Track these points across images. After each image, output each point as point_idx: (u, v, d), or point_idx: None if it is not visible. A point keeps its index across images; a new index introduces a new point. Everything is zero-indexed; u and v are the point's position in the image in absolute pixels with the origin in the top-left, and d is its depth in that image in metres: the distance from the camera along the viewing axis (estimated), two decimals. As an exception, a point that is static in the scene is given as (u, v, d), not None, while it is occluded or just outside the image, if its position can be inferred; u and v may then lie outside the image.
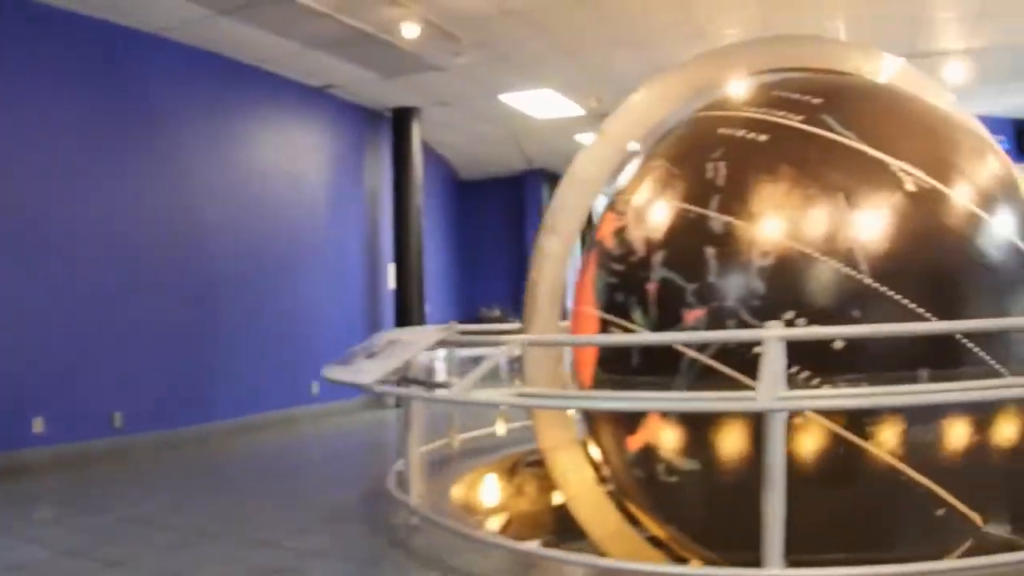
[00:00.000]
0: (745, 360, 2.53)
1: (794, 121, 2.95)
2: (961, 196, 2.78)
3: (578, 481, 3.56)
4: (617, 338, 3.02)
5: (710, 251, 2.81)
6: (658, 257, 2.99)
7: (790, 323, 2.57)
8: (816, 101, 3.02)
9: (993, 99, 8.86)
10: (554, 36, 6.91)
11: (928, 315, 2.56)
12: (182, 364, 7.51)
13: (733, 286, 2.70)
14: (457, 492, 4.29)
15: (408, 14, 6.19)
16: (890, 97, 3.23)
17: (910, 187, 2.74)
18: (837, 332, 2.55)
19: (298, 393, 8.90)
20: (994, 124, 8.90)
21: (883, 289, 2.57)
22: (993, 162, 2.99)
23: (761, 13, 5.86)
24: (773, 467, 2.21)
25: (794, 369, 2.46)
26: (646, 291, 2.97)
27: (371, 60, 7.86)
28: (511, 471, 4.91)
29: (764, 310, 2.62)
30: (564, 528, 3.96)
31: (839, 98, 3.09)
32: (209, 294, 7.95)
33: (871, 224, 2.67)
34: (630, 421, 2.98)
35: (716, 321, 2.73)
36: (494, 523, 4.55)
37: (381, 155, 10.63)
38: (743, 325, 2.68)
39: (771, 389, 2.27)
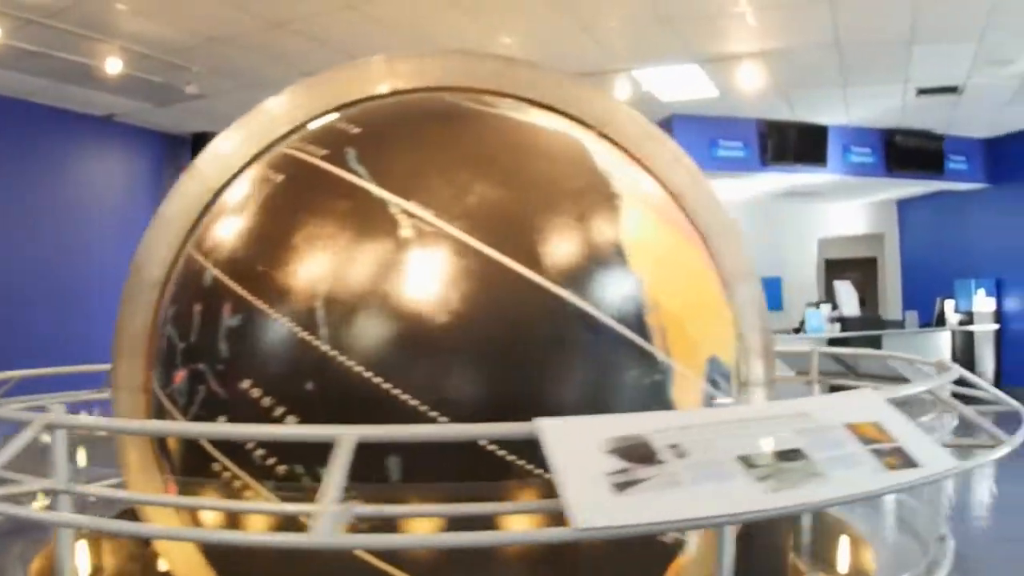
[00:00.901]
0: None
1: (314, 157, 2.66)
2: (491, 243, 2.24)
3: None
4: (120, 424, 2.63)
5: (197, 307, 2.49)
6: (169, 312, 2.67)
7: (245, 392, 2.25)
8: (355, 131, 2.71)
9: (834, 107, 8.24)
10: (283, 59, 6.48)
11: (407, 397, 2.19)
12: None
13: (206, 347, 2.36)
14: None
15: (112, 49, 5.88)
16: (457, 125, 2.83)
17: (406, 232, 2.39)
18: (407, 433, 1.95)
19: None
20: (859, 135, 8.70)
21: (342, 359, 2.21)
22: (596, 209, 2.43)
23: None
24: None
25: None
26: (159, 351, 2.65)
27: (135, 92, 7.49)
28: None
29: (225, 375, 2.26)
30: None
31: (386, 126, 2.78)
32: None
33: (342, 277, 2.32)
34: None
35: (192, 386, 2.42)
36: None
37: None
38: (210, 392, 2.36)
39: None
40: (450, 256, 2.26)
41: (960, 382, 2.95)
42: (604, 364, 2.31)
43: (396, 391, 2.10)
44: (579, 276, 2.34)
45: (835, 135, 8.87)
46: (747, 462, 1.39)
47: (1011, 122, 10.14)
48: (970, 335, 11.18)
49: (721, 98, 7.33)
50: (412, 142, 2.63)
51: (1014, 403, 2.86)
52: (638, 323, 2.35)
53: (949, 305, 11.40)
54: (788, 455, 1.42)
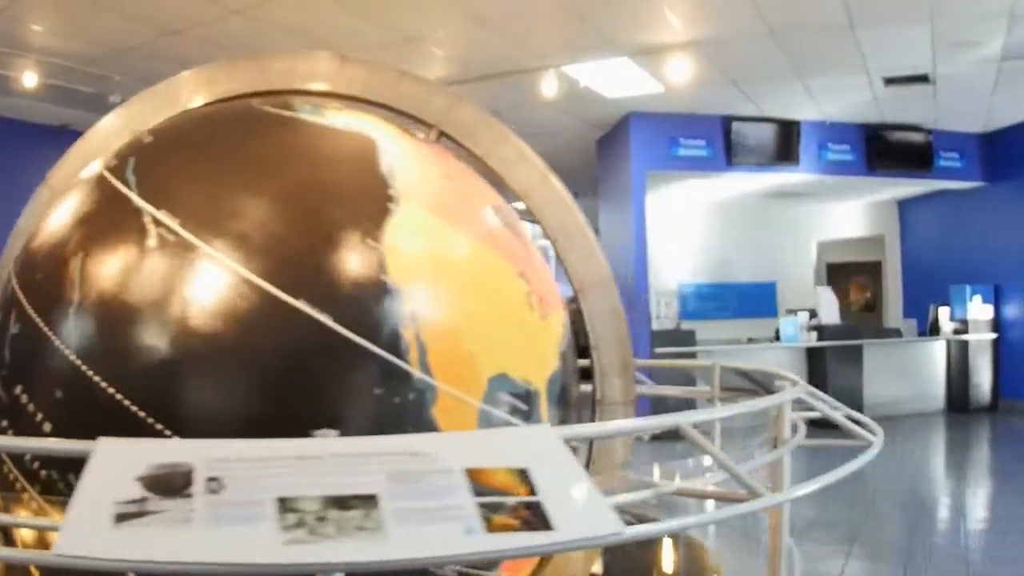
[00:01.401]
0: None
1: (105, 169, 2.45)
2: (230, 252, 2.14)
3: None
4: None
5: (1, 316, 2.35)
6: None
7: (17, 398, 2.07)
8: (147, 140, 2.52)
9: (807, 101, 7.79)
10: (188, 65, 6.23)
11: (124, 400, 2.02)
12: None
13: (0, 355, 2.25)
14: None
15: (28, 63, 5.77)
16: (239, 132, 2.60)
17: (152, 241, 2.19)
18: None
19: None
20: (835, 132, 8.16)
21: (85, 368, 2.05)
22: (358, 214, 2.17)
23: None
24: None
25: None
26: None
27: (70, 101, 7.41)
28: None
29: (6, 381, 2.15)
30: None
31: (173, 135, 2.57)
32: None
33: (90, 286, 2.14)
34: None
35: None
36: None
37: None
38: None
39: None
40: (188, 266, 2.07)
41: (800, 403, 2.63)
42: (343, 381, 2.03)
43: (127, 403, 1.97)
44: (319, 284, 2.07)
45: (809, 132, 8.39)
46: (285, 505, 1.09)
47: (1005, 115, 9.57)
48: (965, 345, 10.54)
49: (671, 94, 6.99)
50: (186, 152, 2.44)
51: (867, 435, 2.51)
52: (389, 337, 2.06)
53: (944, 313, 10.78)
54: (349, 502, 1.11)
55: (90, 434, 1.64)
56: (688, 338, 7.82)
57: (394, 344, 2.06)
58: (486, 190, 2.71)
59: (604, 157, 8.70)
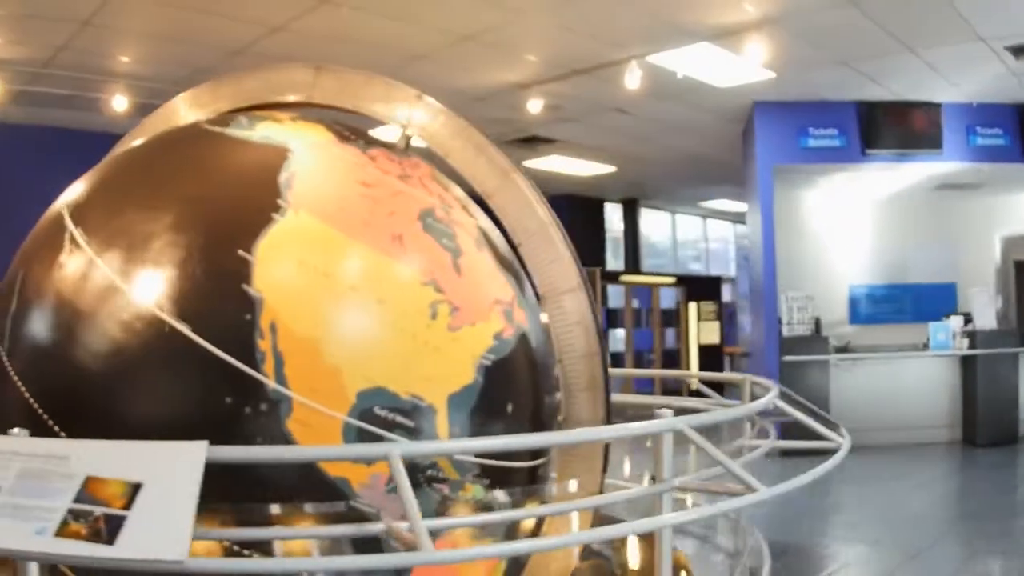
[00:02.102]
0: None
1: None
2: (111, 262, 2.20)
3: None
4: None
5: None
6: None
7: None
8: (101, 164, 2.77)
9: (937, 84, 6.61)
10: None
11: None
12: None
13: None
14: None
15: (119, 87, 6.35)
16: (164, 151, 2.66)
17: (64, 255, 2.33)
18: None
19: None
20: (984, 114, 6.97)
21: (9, 366, 2.25)
22: (234, 228, 2.21)
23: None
24: None
25: None
26: None
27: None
28: None
29: None
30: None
31: (122, 154, 2.77)
32: None
33: (23, 291, 2.34)
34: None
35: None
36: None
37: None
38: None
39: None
40: (86, 279, 2.25)
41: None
42: (195, 387, 2.06)
43: (29, 398, 2.14)
44: (181, 294, 2.12)
45: (953, 115, 7.05)
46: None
47: None
48: None
49: (787, 81, 6.29)
50: (115, 174, 2.64)
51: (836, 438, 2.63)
52: (245, 347, 2.04)
53: None
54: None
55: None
56: (820, 346, 6.97)
57: (249, 354, 2.05)
58: (420, 195, 2.59)
59: (745, 152, 8.09)
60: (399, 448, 1.86)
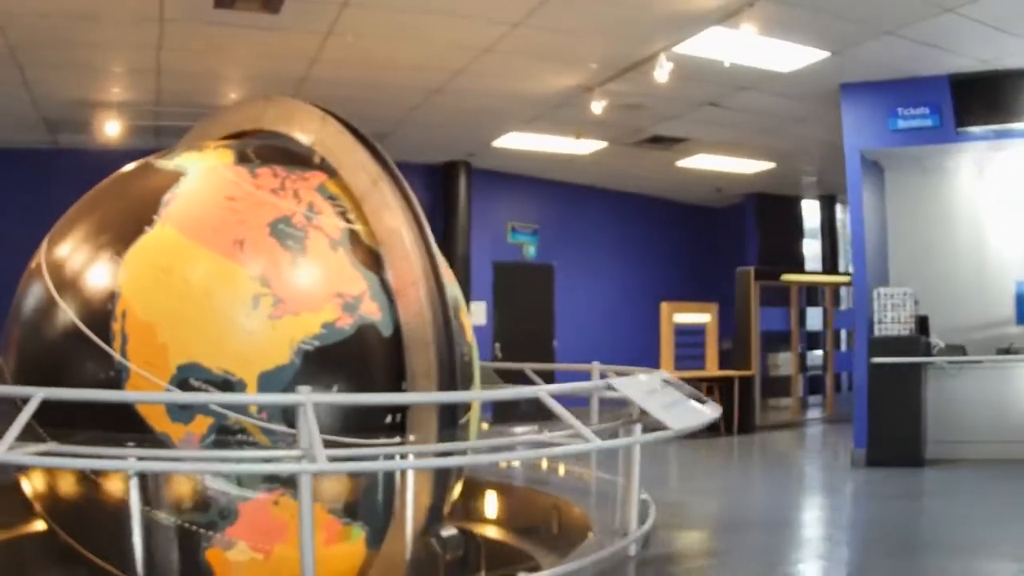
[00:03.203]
0: None
1: None
2: (48, 269, 3.10)
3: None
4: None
5: None
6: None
7: None
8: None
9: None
10: None
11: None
12: None
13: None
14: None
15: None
16: (115, 178, 3.45)
17: (34, 266, 3.22)
18: None
19: None
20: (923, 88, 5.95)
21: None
22: (115, 238, 2.98)
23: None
24: None
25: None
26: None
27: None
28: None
29: None
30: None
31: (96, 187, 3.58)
32: None
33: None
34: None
35: None
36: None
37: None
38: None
39: None
40: (30, 284, 3.16)
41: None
42: (69, 357, 2.85)
43: None
44: (76, 289, 2.95)
45: None
46: None
47: None
48: None
49: (846, 58, 5.78)
50: (92, 192, 3.45)
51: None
52: (103, 329, 2.79)
53: None
54: None
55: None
56: (913, 347, 6.25)
57: (107, 334, 2.79)
58: (285, 205, 3.14)
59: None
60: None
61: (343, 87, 6.10)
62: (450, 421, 3.09)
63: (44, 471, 2.98)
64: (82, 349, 2.80)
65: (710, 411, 3.39)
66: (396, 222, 3.22)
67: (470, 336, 3.55)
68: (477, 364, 3.60)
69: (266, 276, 2.90)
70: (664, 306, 7.94)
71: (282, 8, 4.63)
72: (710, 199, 10.72)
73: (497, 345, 8.90)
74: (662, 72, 5.60)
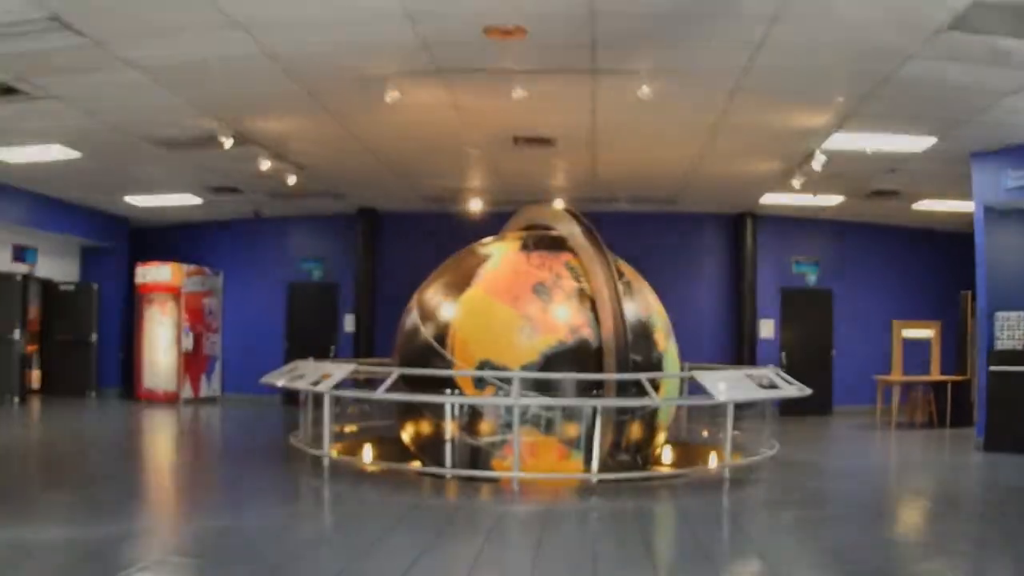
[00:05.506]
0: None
1: None
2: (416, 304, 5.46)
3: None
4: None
5: None
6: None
7: None
8: None
9: None
10: None
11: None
12: None
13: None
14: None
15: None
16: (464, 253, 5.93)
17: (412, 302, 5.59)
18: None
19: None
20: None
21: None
22: (456, 288, 5.25)
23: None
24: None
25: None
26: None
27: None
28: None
29: None
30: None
31: None
32: None
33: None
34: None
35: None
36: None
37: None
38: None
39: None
40: (406, 313, 5.86)
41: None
42: (425, 357, 5.29)
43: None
44: (430, 319, 5.44)
45: None
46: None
47: None
48: None
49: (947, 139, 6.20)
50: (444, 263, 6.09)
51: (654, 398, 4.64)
52: (442, 340, 5.28)
53: None
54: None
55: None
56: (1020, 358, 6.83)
57: (444, 344, 5.24)
58: (542, 275, 5.30)
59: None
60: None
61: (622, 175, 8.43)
62: (623, 393, 5.06)
63: (413, 423, 5.48)
64: (432, 353, 5.20)
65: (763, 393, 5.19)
66: (600, 283, 5.24)
67: (663, 346, 5.47)
68: (671, 360, 5.56)
69: (528, 315, 5.07)
70: (895, 324, 9.55)
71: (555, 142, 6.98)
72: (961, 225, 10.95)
73: (783, 353, 10.56)
74: (817, 163, 6.91)
